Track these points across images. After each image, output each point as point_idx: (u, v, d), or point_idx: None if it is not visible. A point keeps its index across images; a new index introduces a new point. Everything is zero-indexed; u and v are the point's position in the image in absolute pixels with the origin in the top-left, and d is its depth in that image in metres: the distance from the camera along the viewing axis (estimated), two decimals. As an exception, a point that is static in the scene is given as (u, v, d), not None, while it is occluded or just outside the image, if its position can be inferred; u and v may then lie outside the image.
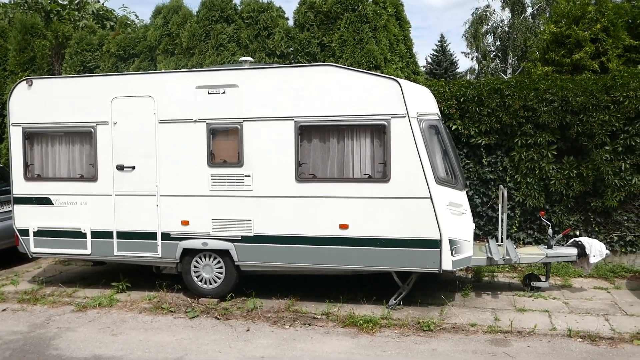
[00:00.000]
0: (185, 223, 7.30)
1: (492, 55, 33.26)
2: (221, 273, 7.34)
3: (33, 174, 7.85)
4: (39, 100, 7.74)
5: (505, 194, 7.23)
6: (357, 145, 6.83)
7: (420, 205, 6.62)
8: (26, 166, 7.84)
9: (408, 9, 62.48)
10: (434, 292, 7.50)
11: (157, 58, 10.03)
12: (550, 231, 7.56)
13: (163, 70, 7.44)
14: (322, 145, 6.93)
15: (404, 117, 6.59)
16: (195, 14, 10.38)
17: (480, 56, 33.32)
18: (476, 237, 9.26)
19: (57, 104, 7.67)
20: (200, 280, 7.42)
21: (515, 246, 7.99)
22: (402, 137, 6.62)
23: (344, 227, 6.84)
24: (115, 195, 7.51)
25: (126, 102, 7.40)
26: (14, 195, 7.93)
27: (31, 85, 7.76)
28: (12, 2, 15.13)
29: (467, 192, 8.98)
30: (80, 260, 9.17)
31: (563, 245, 7.80)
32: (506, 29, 32.23)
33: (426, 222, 6.62)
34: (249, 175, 7.08)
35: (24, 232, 7.89)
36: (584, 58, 10.81)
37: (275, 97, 6.96)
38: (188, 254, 7.39)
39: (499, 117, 8.70)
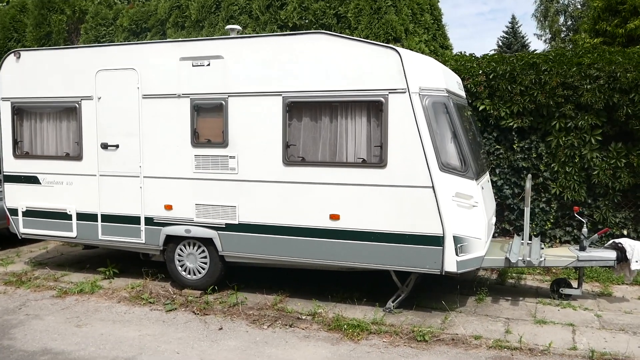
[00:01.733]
0: (168, 207, 6.72)
1: (562, 36, 30.93)
2: (205, 263, 6.72)
3: (22, 151, 7.49)
4: (27, 74, 7.34)
5: (529, 184, 6.17)
6: (351, 124, 5.98)
7: (420, 196, 5.71)
8: (15, 143, 7.50)
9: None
10: (444, 295, 6.58)
11: (167, 32, 9.50)
12: (584, 230, 6.43)
13: (147, 41, 6.87)
14: (313, 124, 6.12)
15: (404, 92, 5.67)
16: (206, -17, 9.73)
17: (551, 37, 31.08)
18: (506, 232, 8.20)
19: (44, 77, 7.25)
20: (185, 270, 6.83)
21: (543, 245, 6.91)
22: (401, 116, 5.71)
23: (334, 217, 6.04)
24: (100, 175, 7.03)
25: (110, 75, 6.87)
26: (4, 173, 7.62)
27: (19, 57, 7.37)
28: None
29: (495, 182, 7.94)
30: (67, 243, 8.83)
31: (600, 246, 6.65)
32: (579, 6, 29.84)
33: (427, 215, 5.71)
34: (233, 157, 6.38)
35: (14, 212, 7.58)
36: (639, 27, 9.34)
37: (262, 69, 6.21)
38: (172, 241, 6.82)
39: (534, 96, 7.55)
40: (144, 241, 6.88)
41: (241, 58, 6.28)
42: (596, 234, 6.39)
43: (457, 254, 5.69)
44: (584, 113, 7.45)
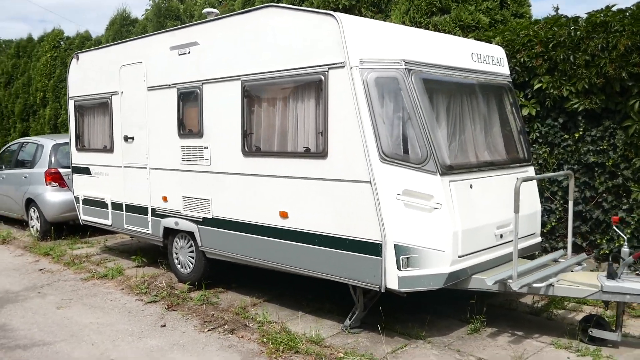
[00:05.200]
0: (164, 199, 6.68)
1: None
2: (193, 258, 6.50)
3: (82, 145, 8.22)
4: (83, 73, 8.04)
5: (519, 183, 4.52)
6: (301, 109, 5.16)
7: (358, 192, 4.65)
8: (77, 138, 8.26)
9: None
10: (435, 318, 5.27)
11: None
12: (624, 249, 4.54)
13: (150, 33, 6.90)
14: (267, 110, 5.45)
15: (343, 66, 4.68)
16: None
17: None
18: (578, 249, 6.27)
19: (92, 75, 7.85)
20: (179, 264, 6.71)
21: (580, 267, 5.08)
22: (340, 95, 4.73)
23: (283, 215, 5.28)
24: (124, 167, 7.33)
25: (129, 69, 7.11)
26: (72, 165, 8.45)
27: (78, 59, 8.12)
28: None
29: (560, 182, 6.18)
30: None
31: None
32: None
33: (365, 216, 4.62)
34: (207, 148, 6.05)
35: (77, 200, 8.37)
36: None
37: (226, 53, 5.77)
38: (170, 233, 6.76)
39: (600, 66, 5.60)
40: (150, 232, 6.96)
41: (211, 42, 5.93)
42: (631, 256, 4.43)
43: (399, 268, 4.48)
44: (674, 87, 5.27)
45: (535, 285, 4.56)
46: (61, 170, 9.52)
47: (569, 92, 5.92)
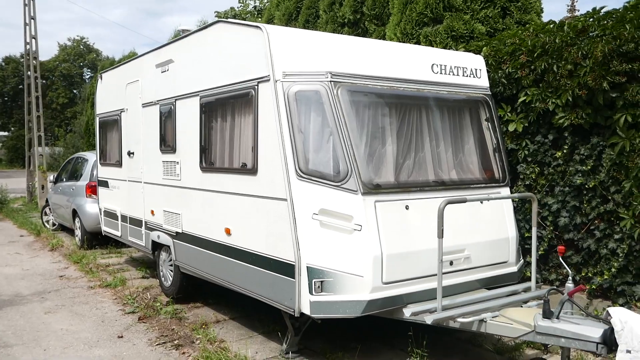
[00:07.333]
0: (152, 213, 6.85)
1: None
2: (171, 271, 6.58)
3: (103, 159, 8.68)
4: (104, 92, 8.52)
5: (443, 205, 4.05)
6: (241, 124, 5.07)
7: (279, 210, 4.47)
8: (101, 153, 8.74)
9: None
10: (389, 348, 4.90)
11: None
12: (569, 285, 3.94)
13: (145, 51, 7.10)
14: (219, 125, 5.42)
15: (269, 79, 4.54)
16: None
17: None
18: (575, 282, 5.54)
19: (109, 94, 8.28)
20: (163, 277, 6.82)
21: (535, 302, 4.48)
22: (267, 110, 4.59)
23: (227, 232, 5.20)
24: (128, 180, 7.62)
25: (131, 87, 7.42)
26: (97, 179, 8.94)
27: (102, 79, 8.61)
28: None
29: (549, 206, 5.56)
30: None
31: (586, 316, 3.92)
32: None
33: (283, 235, 4.42)
34: (178, 163, 6.13)
35: (100, 212, 8.81)
36: None
37: (190, 69, 5.84)
38: (157, 246, 6.90)
39: (581, 76, 4.95)
40: (144, 244, 7.16)
41: (181, 60, 6.03)
42: (566, 294, 3.81)
43: (311, 292, 4.22)
44: (663, 97, 4.52)
45: (461, 320, 4.08)
46: (100, 183, 10.09)
47: (554, 105, 5.30)
